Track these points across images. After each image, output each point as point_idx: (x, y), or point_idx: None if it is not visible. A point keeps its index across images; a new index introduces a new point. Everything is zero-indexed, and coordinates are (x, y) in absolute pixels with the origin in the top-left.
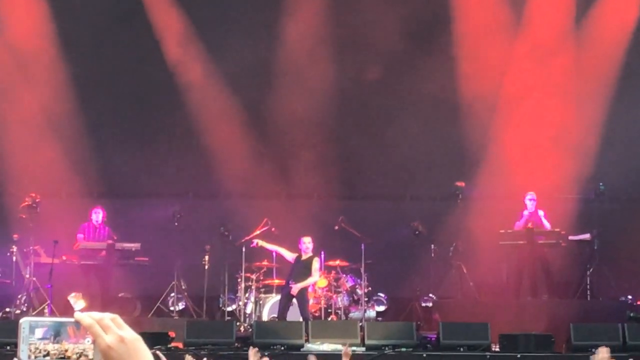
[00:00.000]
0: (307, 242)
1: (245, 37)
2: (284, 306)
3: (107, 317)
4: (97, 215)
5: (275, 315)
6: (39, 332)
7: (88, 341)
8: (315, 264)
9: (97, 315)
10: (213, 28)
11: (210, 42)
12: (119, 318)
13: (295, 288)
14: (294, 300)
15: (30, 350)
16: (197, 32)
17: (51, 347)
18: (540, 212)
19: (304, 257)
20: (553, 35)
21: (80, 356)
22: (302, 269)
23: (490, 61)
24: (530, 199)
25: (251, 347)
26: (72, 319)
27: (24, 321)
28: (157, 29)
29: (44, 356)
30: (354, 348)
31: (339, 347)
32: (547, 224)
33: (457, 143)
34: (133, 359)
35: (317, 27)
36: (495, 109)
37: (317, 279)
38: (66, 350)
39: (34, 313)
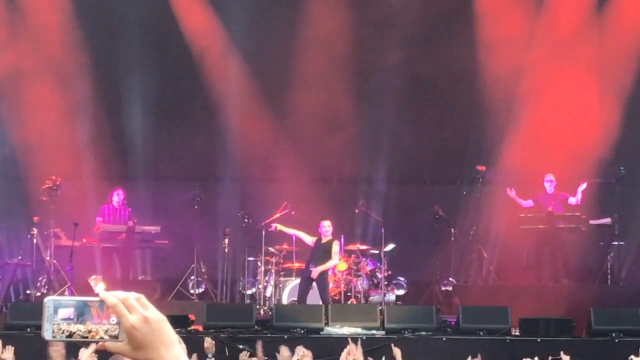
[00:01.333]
0: (326, 226)
1: (268, 20)
2: (303, 290)
3: (132, 296)
4: (119, 197)
5: (295, 299)
6: (62, 312)
7: (113, 320)
8: (335, 247)
9: (122, 294)
10: (236, 13)
11: (233, 27)
12: (143, 298)
13: (315, 271)
14: (314, 283)
15: (54, 331)
16: (220, 16)
17: (74, 327)
18: (581, 188)
19: (323, 240)
20: (575, 18)
21: (103, 336)
22: (321, 252)
23: (511, 45)
24: (548, 181)
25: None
26: (97, 298)
27: (48, 300)
28: (181, 14)
29: (67, 337)
30: (373, 331)
31: (359, 330)
32: (577, 197)
33: (478, 126)
34: (157, 340)
35: (339, 10)
36: (516, 93)
37: (336, 262)
38: (90, 331)
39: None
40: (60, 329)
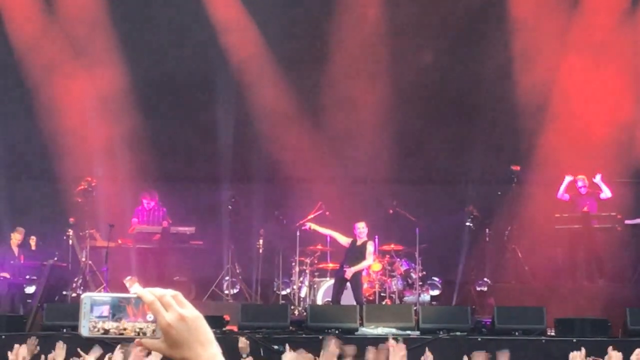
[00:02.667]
0: (361, 227)
1: (301, 21)
2: (337, 290)
3: (169, 294)
4: (150, 203)
5: (330, 299)
6: (97, 310)
7: (150, 318)
8: (369, 247)
9: (158, 291)
10: (268, 11)
11: (266, 27)
12: (180, 295)
13: (349, 272)
14: (348, 284)
15: (90, 328)
16: (250, 15)
17: (109, 325)
18: (597, 180)
19: (358, 242)
20: (609, 19)
21: (138, 334)
22: (356, 253)
23: (546, 44)
24: (580, 184)
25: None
26: (134, 295)
27: (85, 297)
28: (212, 9)
29: (102, 334)
30: (408, 332)
31: (394, 330)
32: (604, 191)
33: (512, 126)
34: (193, 338)
35: (371, 14)
36: (552, 93)
37: (370, 263)
38: (125, 329)
39: None
40: (95, 327)
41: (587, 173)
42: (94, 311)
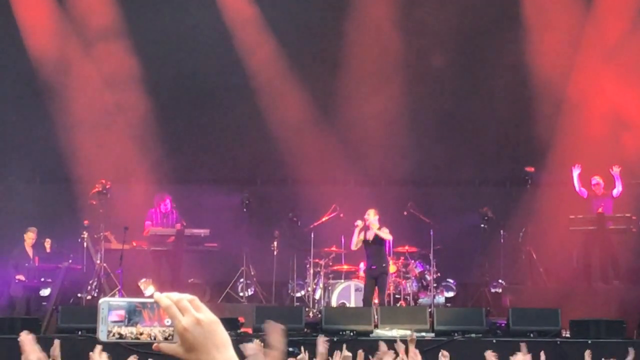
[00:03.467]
0: (369, 216)
1: (316, 25)
2: (369, 290)
3: (186, 298)
4: (165, 206)
5: (344, 301)
6: (113, 315)
7: (167, 322)
8: (384, 229)
9: (175, 296)
10: (283, 15)
11: (279, 30)
12: (197, 300)
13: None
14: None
15: (109, 332)
16: (265, 18)
17: (125, 330)
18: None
19: (369, 235)
20: (622, 21)
21: (155, 339)
22: (375, 245)
23: (560, 47)
24: (595, 184)
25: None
26: (151, 300)
27: (103, 302)
28: (228, 14)
29: (118, 338)
30: (423, 334)
31: (408, 332)
32: (617, 188)
33: (527, 128)
34: (209, 342)
35: (385, 15)
36: (565, 95)
37: (389, 237)
38: (141, 334)
39: None
40: (110, 331)
41: (602, 173)
42: (111, 316)
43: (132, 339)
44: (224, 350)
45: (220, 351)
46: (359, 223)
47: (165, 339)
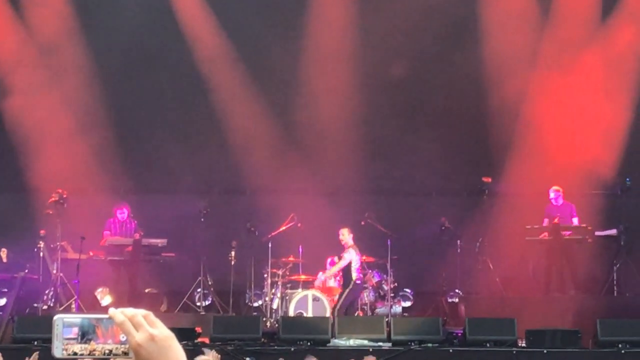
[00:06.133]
0: (341, 235)
1: (272, 34)
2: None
3: (140, 313)
4: (122, 215)
5: (301, 311)
6: (67, 332)
7: (123, 338)
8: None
9: (129, 312)
10: (240, 25)
11: (237, 38)
12: (151, 315)
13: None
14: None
15: (64, 349)
16: (225, 28)
17: (78, 347)
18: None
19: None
20: (581, 27)
21: (108, 355)
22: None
23: (517, 56)
24: (555, 193)
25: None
26: (105, 315)
27: (58, 318)
28: (186, 25)
29: (72, 355)
30: (380, 343)
31: (365, 342)
32: (575, 220)
33: (483, 138)
34: (163, 357)
35: (342, 24)
36: (521, 105)
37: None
38: (94, 350)
39: (60, 308)
40: (65, 349)
41: (560, 185)
42: (65, 332)
43: (85, 355)
44: None
45: None
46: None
47: (123, 354)
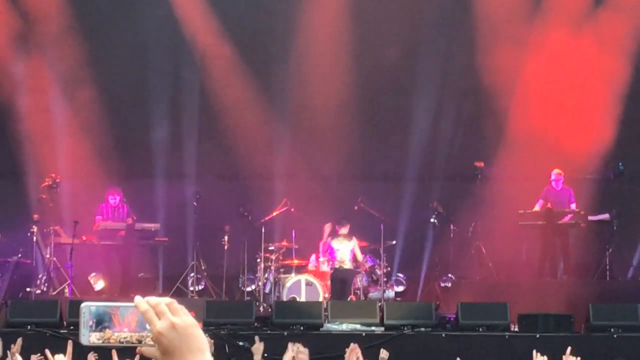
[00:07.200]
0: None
1: (267, 22)
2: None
3: (164, 302)
4: (115, 200)
5: (294, 295)
6: (86, 319)
7: (140, 325)
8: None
9: (153, 300)
10: (236, 13)
11: (230, 21)
12: (175, 303)
13: None
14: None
15: (88, 337)
16: (220, 16)
17: (93, 335)
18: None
19: None
20: (573, 16)
21: (122, 343)
22: None
23: (510, 41)
24: (555, 176)
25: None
26: (131, 304)
27: (84, 306)
28: (174, 3)
29: (93, 343)
30: (373, 328)
31: (358, 326)
32: (572, 206)
33: (476, 123)
34: (184, 346)
35: (335, 7)
36: (515, 89)
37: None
38: (109, 338)
39: (54, 293)
40: (89, 336)
41: (553, 167)
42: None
43: (101, 344)
44: (199, 355)
45: (194, 355)
46: None
47: (132, 343)
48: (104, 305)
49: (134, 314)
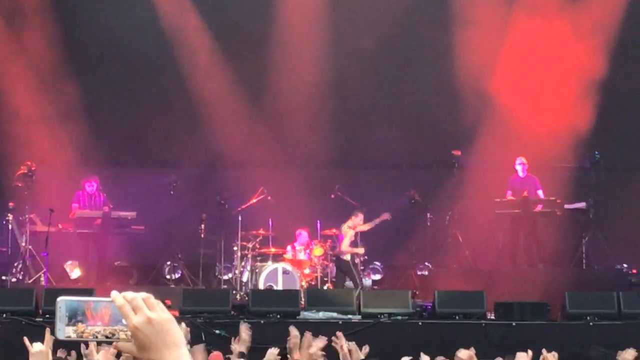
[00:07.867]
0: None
1: (242, 5)
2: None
3: (140, 297)
4: (91, 188)
5: (271, 284)
6: (61, 313)
7: (112, 320)
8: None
9: (130, 295)
10: (213, 3)
11: (206, 9)
12: (152, 298)
13: None
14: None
15: (64, 331)
16: (198, 5)
17: (69, 329)
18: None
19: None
20: (550, 3)
21: (96, 337)
22: None
23: (486, 29)
24: (520, 164)
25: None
26: (107, 299)
27: (60, 300)
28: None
29: (67, 337)
30: (350, 316)
31: (335, 315)
32: (540, 193)
33: (453, 111)
34: (160, 341)
35: (313, 0)
36: (491, 76)
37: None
38: (82, 332)
39: (29, 281)
40: (64, 330)
41: (530, 158)
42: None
43: (76, 338)
44: (175, 350)
45: (170, 350)
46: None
47: (107, 337)
48: (79, 300)
49: (107, 308)
